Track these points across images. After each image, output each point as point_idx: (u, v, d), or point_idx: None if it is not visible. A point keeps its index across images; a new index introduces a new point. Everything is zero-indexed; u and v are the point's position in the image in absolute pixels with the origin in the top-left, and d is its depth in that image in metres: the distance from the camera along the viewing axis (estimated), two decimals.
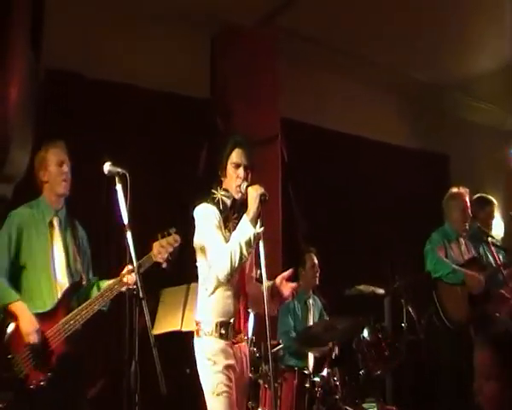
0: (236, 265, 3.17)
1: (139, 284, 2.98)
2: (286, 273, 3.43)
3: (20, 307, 3.45)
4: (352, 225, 6.99)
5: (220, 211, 3.30)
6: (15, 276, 3.58)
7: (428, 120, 8.13)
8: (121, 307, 3.55)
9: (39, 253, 3.62)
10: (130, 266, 3.42)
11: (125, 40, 5.47)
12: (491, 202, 5.78)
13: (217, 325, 3.27)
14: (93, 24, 5.25)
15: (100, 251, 4.20)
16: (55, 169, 3.71)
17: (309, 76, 6.79)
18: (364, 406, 4.58)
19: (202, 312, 3.35)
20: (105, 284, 3.68)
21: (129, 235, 3.04)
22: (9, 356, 3.37)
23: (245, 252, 3.16)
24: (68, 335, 3.47)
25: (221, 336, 3.26)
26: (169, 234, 3.45)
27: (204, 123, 5.82)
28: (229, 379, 3.21)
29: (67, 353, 3.47)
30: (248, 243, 3.15)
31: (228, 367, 3.23)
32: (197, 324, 3.35)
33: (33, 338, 3.39)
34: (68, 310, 3.52)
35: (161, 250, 3.42)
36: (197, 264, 3.39)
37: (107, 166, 3.23)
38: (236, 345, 3.33)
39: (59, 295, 3.59)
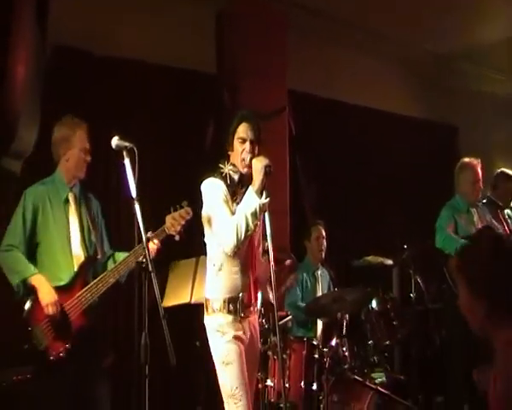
0: (242, 237, 3.18)
1: (148, 258, 3.01)
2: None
3: (38, 280, 3.53)
4: (361, 197, 6.99)
5: (227, 185, 3.30)
6: (33, 252, 3.66)
7: (437, 91, 8.07)
8: (131, 280, 3.62)
9: (56, 228, 3.69)
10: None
11: (132, 16, 5.43)
12: None
13: (225, 301, 3.29)
14: (100, 1, 5.22)
15: (110, 225, 4.23)
16: (80, 155, 3.76)
17: (317, 48, 6.73)
18: (373, 375, 4.62)
19: (211, 289, 3.37)
20: (120, 256, 3.76)
21: (137, 208, 3.07)
22: (29, 328, 3.46)
23: (251, 224, 3.17)
24: (85, 307, 3.57)
25: (229, 311, 3.29)
26: (181, 207, 3.52)
27: (211, 98, 5.80)
28: (239, 349, 3.25)
29: (85, 325, 3.57)
30: (254, 215, 3.17)
31: (237, 338, 3.27)
32: (206, 301, 3.37)
33: (52, 309, 3.48)
34: (85, 283, 3.61)
35: (174, 223, 3.50)
36: (205, 240, 3.40)
37: (114, 141, 3.24)
38: (246, 319, 3.36)
39: (75, 269, 3.66)
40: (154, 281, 2.97)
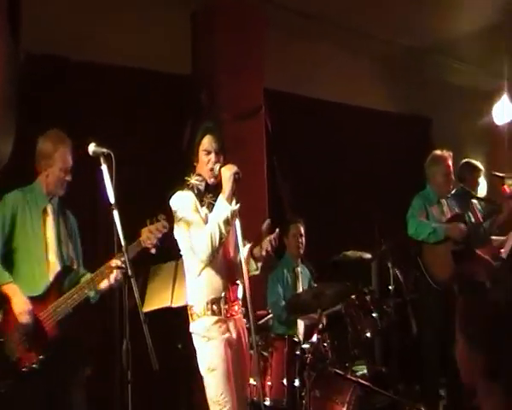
0: (217, 245, 3.27)
1: (128, 263, 3.04)
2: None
3: (12, 289, 3.48)
4: (338, 192, 7.06)
5: (195, 195, 3.40)
6: (8, 258, 3.60)
7: (411, 84, 8.12)
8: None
9: (33, 236, 3.66)
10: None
11: (106, 19, 5.42)
12: (478, 168, 5.86)
13: (208, 303, 3.35)
14: (74, 5, 5.20)
15: (87, 238, 4.23)
16: (59, 174, 3.73)
17: (290, 44, 6.75)
18: (354, 368, 4.69)
19: (192, 294, 3.44)
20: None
21: (116, 214, 3.09)
22: (1, 339, 3.42)
23: (224, 231, 3.25)
24: (60, 319, 3.52)
25: (213, 313, 3.35)
26: (158, 220, 3.52)
27: (187, 99, 5.80)
28: (225, 355, 3.30)
29: (59, 336, 3.52)
30: (226, 222, 3.25)
31: (222, 341, 3.32)
32: (189, 308, 3.44)
33: (26, 318, 3.42)
34: (60, 294, 3.57)
35: (150, 236, 3.50)
36: (181, 252, 3.48)
37: (91, 147, 3.26)
38: (231, 318, 3.41)
39: (51, 278, 3.62)
40: (135, 286, 3.00)
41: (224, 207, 3.26)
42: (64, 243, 3.78)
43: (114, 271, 3.53)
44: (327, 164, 7.00)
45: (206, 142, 3.42)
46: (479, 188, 5.94)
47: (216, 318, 3.34)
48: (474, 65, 8.50)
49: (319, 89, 7.06)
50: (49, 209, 3.78)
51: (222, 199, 3.28)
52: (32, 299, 3.51)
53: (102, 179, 3.15)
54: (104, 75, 5.34)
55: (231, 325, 3.40)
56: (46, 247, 3.69)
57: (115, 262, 3.47)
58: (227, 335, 3.35)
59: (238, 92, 5.86)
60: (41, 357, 3.44)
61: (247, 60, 6.03)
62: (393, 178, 7.41)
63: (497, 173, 5.88)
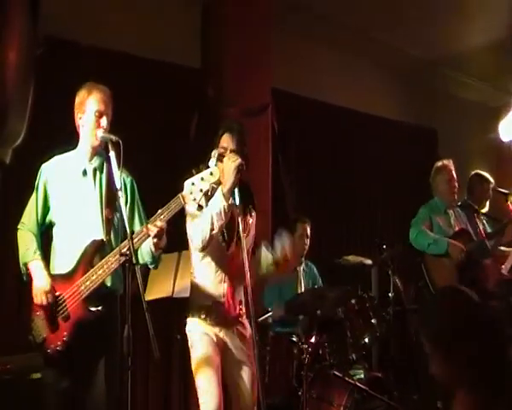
0: (207, 236, 3.19)
1: (132, 250, 2.99)
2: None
3: (34, 267, 3.24)
4: (342, 197, 7.03)
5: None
6: (46, 233, 3.38)
7: (418, 94, 8.15)
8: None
9: (71, 208, 3.33)
10: (158, 219, 3.13)
11: (119, 7, 5.42)
12: (488, 180, 5.86)
13: (196, 309, 3.36)
14: None
15: None
16: (93, 119, 3.34)
17: (302, 47, 6.76)
18: (351, 372, 4.66)
19: (190, 293, 3.45)
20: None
21: (122, 200, 3.09)
22: (32, 318, 3.22)
23: (216, 224, 3.17)
24: (86, 296, 3.17)
25: (201, 318, 3.34)
26: (208, 167, 3.13)
27: (195, 92, 5.77)
28: (210, 360, 3.26)
29: (87, 315, 3.19)
30: (219, 216, 3.16)
31: (209, 348, 3.29)
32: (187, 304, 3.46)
33: (42, 299, 3.17)
34: (89, 269, 3.20)
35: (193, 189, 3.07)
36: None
37: (99, 133, 3.27)
38: (221, 328, 3.36)
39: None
40: (138, 273, 2.95)
41: (220, 200, 3.16)
42: (105, 209, 3.35)
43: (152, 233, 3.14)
44: (332, 169, 6.98)
45: (225, 139, 3.38)
46: (487, 201, 5.92)
47: (204, 324, 3.33)
48: (483, 80, 8.53)
49: (328, 93, 7.05)
50: (90, 171, 3.40)
51: (220, 192, 3.17)
52: (59, 277, 3.24)
53: (110, 165, 3.15)
54: (115, 62, 5.30)
55: (222, 333, 3.36)
56: (86, 217, 3.32)
57: (151, 227, 3.14)
58: (211, 346, 3.31)
59: (245, 88, 5.78)
60: (65, 339, 3.15)
61: (255, 57, 5.94)
62: (397, 187, 7.39)
63: (501, 190, 5.88)
